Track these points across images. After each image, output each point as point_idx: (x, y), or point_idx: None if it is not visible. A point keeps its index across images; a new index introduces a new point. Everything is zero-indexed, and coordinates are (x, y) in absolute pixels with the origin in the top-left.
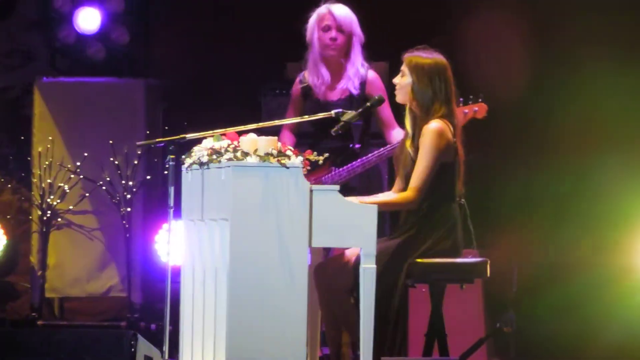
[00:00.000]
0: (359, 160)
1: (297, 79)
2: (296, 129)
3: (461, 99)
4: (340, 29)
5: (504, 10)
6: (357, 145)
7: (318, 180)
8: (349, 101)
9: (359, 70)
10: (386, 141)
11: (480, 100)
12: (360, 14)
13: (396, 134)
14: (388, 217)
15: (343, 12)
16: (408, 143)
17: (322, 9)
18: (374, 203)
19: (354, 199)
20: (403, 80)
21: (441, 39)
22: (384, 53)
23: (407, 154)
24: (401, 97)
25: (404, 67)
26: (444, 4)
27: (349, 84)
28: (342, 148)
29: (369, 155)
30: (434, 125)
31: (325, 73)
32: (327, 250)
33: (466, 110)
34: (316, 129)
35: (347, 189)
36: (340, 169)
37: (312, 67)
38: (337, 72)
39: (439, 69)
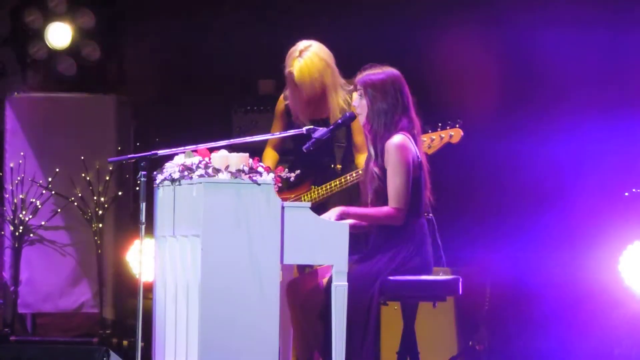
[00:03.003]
0: (337, 180)
1: (281, 96)
2: (280, 147)
3: (439, 124)
4: (304, 91)
5: (472, 31)
6: (339, 166)
7: (297, 198)
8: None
9: (341, 104)
10: (355, 164)
11: (457, 125)
12: (333, 39)
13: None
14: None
15: (305, 77)
16: (371, 163)
17: (291, 70)
18: (361, 214)
19: (339, 209)
20: (362, 102)
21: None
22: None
23: (373, 173)
24: (362, 120)
25: (359, 89)
26: (413, 25)
27: (335, 116)
28: (325, 168)
29: (347, 175)
30: (396, 139)
31: (308, 112)
32: (302, 267)
33: (442, 135)
34: (297, 147)
35: (326, 208)
36: (319, 188)
37: (294, 108)
38: (321, 103)
39: (391, 80)
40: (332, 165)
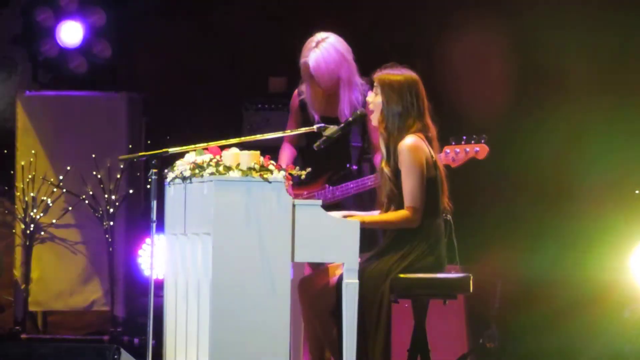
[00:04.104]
0: (353, 182)
1: (295, 92)
2: (297, 142)
3: (464, 137)
4: (320, 82)
5: (484, 31)
6: (355, 167)
7: (310, 196)
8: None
9: (352, 101)
10: (374, 163)
11: (482, 141)
12: (345, 37)
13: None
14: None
15: (320, 67)
16: (383, 164)
17: (307, 57)
18: (374, 221)
19: (354, 214)
20: (376, 100)
21: (422, 62)
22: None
23: (384, 174)
24: (375, 117)
25: (376, 86)
26: (423, 24)
27: (343, 113)
28: (340, 168)
29: (365, 178)
30: (408, 141)
31: (321, 106)
32: (314, 264)
33: (467, 149)
34: (310, 144)
35: (340, 208)
36: (334, 188)
37: (306, 99)
38: (334, 98)
39: (409, 84)
40: (348, 165)
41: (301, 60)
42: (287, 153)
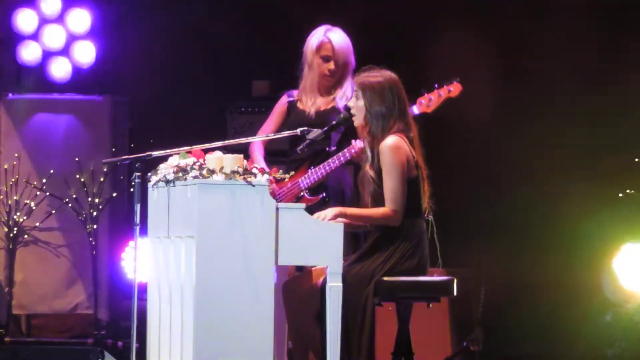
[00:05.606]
0: (334, 156)
1: (285, 94)
2: (268, 143)
3: (435, 85)
4: (337, 61)
5: (468, 34)
6: (333, 148)
7: (295, 184)
8: (334, 112)
9: (346, 92)
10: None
11: (455, 81)
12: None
13: None
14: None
15: (342, 44)
16: (367, 166)
17: (323, 37)
18: (358, 215)
19: (336, 209)
20: (358, 103)
21: (406, 67)
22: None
23: (368, 176)
24: (358, 121)
25: (356, 90)
26: (409, 28)
27: (337, 104)
28: (320, 151)
29: (344, 150)
30: (389, 141)
31: (318, 97)
32: (299, 267)
33: (441, 92)
34: (292, 139)
35: (339, 195)
36: (317, 169)
37: (308, 89)
38: (328, 93)
39: (389, 84)
40: (327, 149)
41: (317, 43)
42: (258, 154)
